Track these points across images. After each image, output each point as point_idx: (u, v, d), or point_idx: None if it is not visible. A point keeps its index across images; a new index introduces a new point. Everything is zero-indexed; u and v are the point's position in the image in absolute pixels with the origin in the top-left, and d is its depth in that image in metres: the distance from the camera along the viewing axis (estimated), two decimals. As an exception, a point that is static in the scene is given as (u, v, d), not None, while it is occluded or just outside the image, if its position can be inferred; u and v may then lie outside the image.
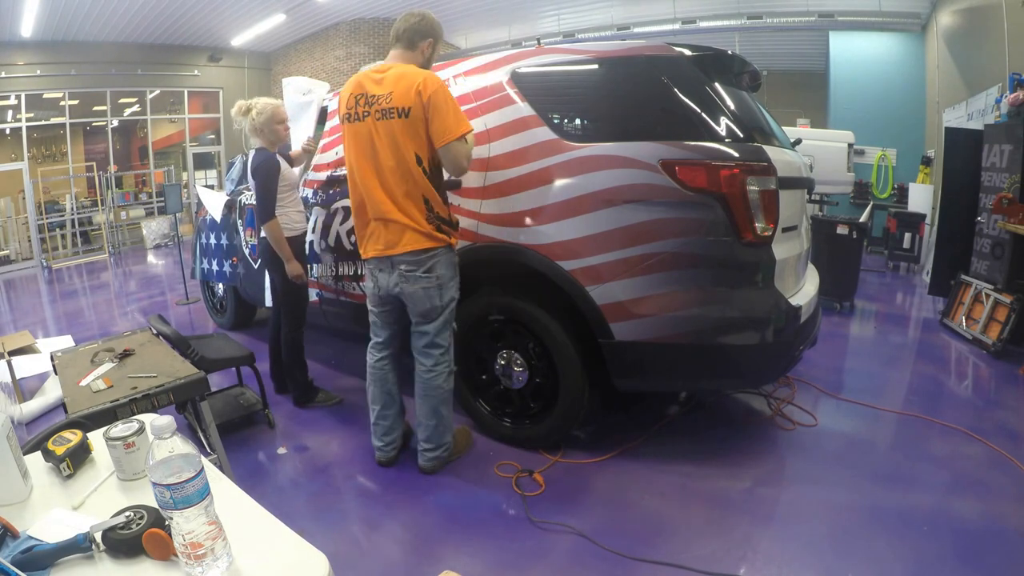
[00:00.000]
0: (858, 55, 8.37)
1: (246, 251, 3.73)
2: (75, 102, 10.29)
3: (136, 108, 11.28)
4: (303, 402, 3.10)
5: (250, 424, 2.89)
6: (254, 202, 3.56)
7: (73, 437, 1.15)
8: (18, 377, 3.29)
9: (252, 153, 2.83)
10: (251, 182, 2.85)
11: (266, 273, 3.20)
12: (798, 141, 3.96)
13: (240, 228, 3.77)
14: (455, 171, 2.13)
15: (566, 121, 2.47)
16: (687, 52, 2.30)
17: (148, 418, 1.09)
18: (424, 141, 2.03)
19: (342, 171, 2.78)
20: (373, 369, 2.41)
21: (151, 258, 9.32)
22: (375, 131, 2.05)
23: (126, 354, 2.31)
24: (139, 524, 0.87)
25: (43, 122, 10.11)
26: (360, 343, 2.67)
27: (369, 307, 2.40)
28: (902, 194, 7.96)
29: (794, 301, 2.26)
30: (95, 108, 10.63)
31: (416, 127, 2.00)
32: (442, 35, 2.24)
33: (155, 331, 2.62)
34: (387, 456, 2.46)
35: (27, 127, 9.80)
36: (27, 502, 1.04)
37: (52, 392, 3.22)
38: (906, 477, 2.32)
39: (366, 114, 2.07)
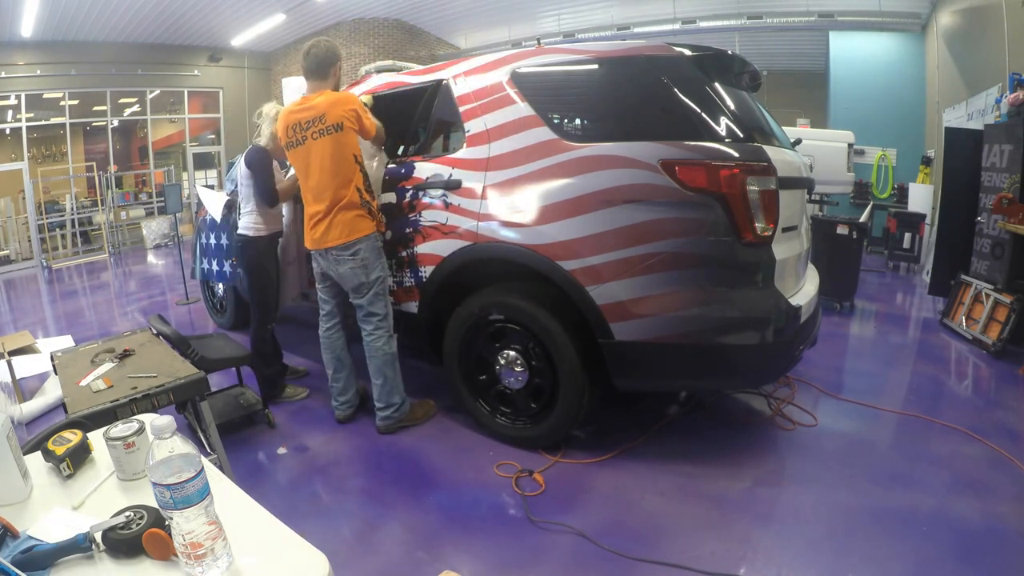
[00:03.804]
0: (858, 55, 8.37)
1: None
2: (75, 102, 10.28)
3: (136, 108, 11.27)
4: (270, 398, 3.04)
5: (250, 424, 2.89)
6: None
7: (73, 437, 1.15)
8: (18, 377, 3.29)
9: (248, 149, 2.88)
10: (243, 175, 2.91)
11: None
12: (798, 141, 3.96)
13: (240, 228, 3.76)
14: (378, 141, 2.72)
15: (566, 121, 2.47)
16: (687, 52, 2.30)
17: (148, 418, 1.09)
18: (356, 141, 2.52)
19: None
20: (324, 338, 2.82)
21: (151, 258, 9.31)
22: (314, 148, 2.46)
23: (126, 354, 2.31)
24: (139, 524, 0.87)
25: (43, 122, 10.10)
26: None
27: (316, 285, 2.81)
28: (902, 194, 7.96)
29: (794, 301, 2.26)
30: (95, 108, 10.62)
31: (349, 133, 2.47)
32: (342, 55, 2.64)
33: (155, 331, 2.62)
34: (344, 414, 2.86)
35: (27, 127, 9.79)
36: (27, 502, 1.04)
37: (52, 392, 3.22)
38: (906, 477, 2.32)
39: (304, 138, 2.48)
